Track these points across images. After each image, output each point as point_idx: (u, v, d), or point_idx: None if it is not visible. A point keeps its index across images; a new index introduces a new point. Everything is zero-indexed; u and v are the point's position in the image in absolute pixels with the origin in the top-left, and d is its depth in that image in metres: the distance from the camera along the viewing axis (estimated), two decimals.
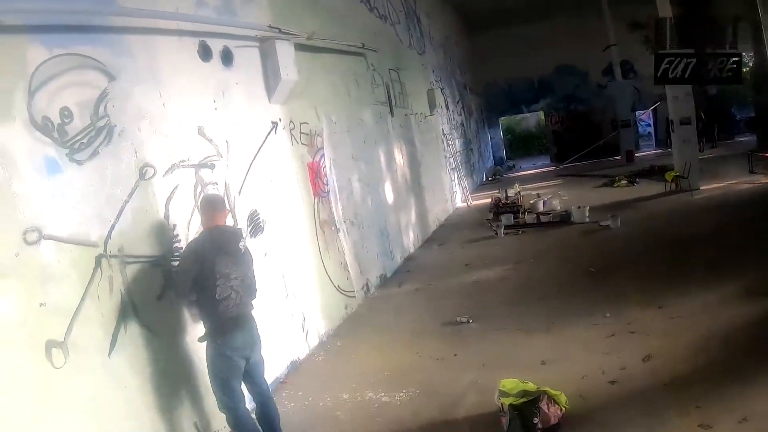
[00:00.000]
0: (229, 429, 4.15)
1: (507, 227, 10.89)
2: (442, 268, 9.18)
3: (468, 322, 6.13)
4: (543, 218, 11.18)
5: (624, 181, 14.81)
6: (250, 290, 4.04)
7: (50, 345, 3.35)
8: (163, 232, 4.41)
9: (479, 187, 20.18)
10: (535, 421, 3.52)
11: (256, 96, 5.93)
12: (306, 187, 6.81)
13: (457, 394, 4.43)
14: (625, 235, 9.06)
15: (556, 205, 11.89)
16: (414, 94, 12.66)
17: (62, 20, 3.81)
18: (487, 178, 22.74)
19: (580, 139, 23.06)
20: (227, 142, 5.31)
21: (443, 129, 15.83)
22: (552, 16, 22.24)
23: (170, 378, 4.15)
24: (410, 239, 10.86)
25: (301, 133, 6.76)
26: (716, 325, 5.01)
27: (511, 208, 12.10)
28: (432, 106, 13.95)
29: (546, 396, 3.65)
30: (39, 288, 3.38)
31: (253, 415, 4.11)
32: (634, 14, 17.83)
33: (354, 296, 7.65)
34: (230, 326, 3.80)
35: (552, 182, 17.82)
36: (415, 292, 8.01)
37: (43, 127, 3.55)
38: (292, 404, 4.98)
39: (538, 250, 9.03)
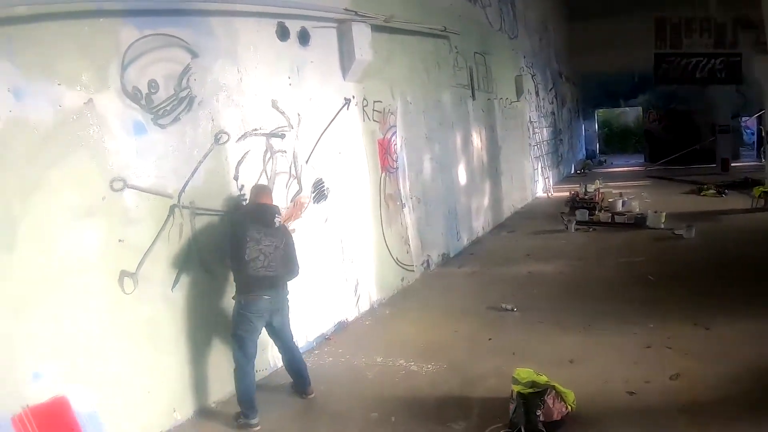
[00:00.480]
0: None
1: (578, 223, 10.77)
2: (504, 255, 9.29)
3: (512, 310, 6.30)
4: (617, 218, 10.95)
5: (712, 191, 14.08)
6: (284, 261, 4.45)
7: (123, 274, 4.05)
8: (231, 190, 4.96)
9: (565, 179, 19.78)
10: (537, 413, 3.65)
11: (330, 74, 6.31)
12: (374, 162, 7.16)
13: (479, 375, 4.66)
14: (696, 247, 8.73)
15: (635, 206, 11.59)
16: (500, 78, 12.59)
17: (152, 5, 4.39)
18: (575, 171, 22.26)
19: (677, 141, 21.88)
20: (299, 115, 5.74)
21: (530, 116, 15.60)
22: (659, 7, 21.12)
23: (215, 318, 4.75)
24: (480, 223, 11.00)
25: (374, 110, 7.10)
26: (760, 359, 4.65)
27: (588, 204, 11.96)
28: (519, 92, 13.80)
29: (554, 391, 3.76)
30: (119, 227, 4.06)
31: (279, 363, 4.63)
32: (745, 12, 16.29)
33: (412, 270, 7.98)
34: (255, 286, 4.26)
35: (639, 182, 17.21)
36: (472, 275, 8.22)
37: (132, 95, 4.18)
38: (330, 359, 5.46)
39: (603, 250, 8.93)
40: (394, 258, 7.54)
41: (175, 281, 4.43)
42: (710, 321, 5.52)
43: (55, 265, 3.72)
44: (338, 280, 6.38)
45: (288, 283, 4.55)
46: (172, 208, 4.42)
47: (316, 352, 5.64)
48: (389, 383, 4.79)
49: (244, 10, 5.15)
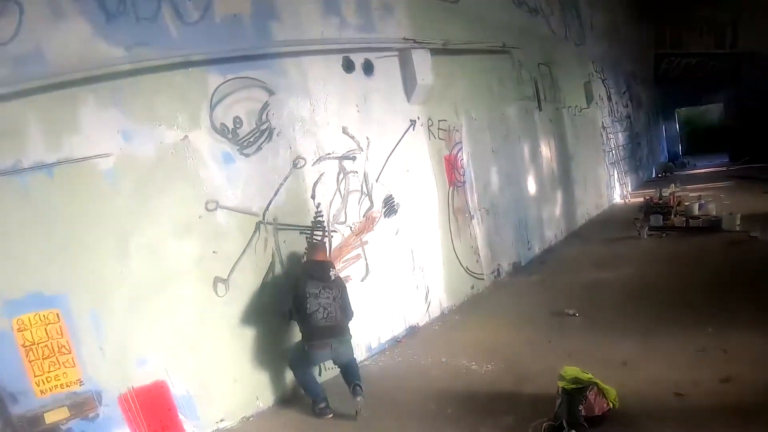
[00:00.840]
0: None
1: (651, 228, 10.70)
2: (574, 262, 9.46)
3: (574, 315, 6.56)
4: (691, 222, 10.73)
5: None
6: (342, 309, 5.02)
7: (217, 280, 4.93)
8: (308, 208, 5.68)
9: (645, 184, 19.21)
10: (579, 408, 3.96)
11: (395, 98, 6.91)
12: (441, 177, 7.65)
13: (533, 374, 5.00)
14: None
15: (712, 209, 11.26)
16: (568, 87, 12.71)
17: (232, 53, 5.15)
18: (656, 175, 21.60)
19: (763, 138, 20.47)
20: (368, 138, 6.39)
21: (603, 122, 15.49)
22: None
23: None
24: (552, 231, 11.19)
25: (439, 129, 7.60)
26: None
27: (662, 208, 11.74)
28: (589, 99, 13.84)
29: (596, 388, 4.05)
30: (213, 240, 4.92)
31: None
32: None
33: (483, 278, 8.37)
34: (317, 336, 4.84)
35: (720, 183, 16.56)
36: (540, 283, 8.49)
37: (221, 131, 5.03)
38: (399, 359, 6.03)
39: (673, 256, 8.88)
40: (464, 267, 7.97)
41: (260, 287, 5.22)
42: None
43: (160, 272, 4.63)
44: (409, 288, 6.94)
45: (349, 326, 5.12)
46: (257, 225, 5.25)
47: (387, 353, 6.21)
48: (450, 380, 5.27)
49: (312, 49, 5.86)
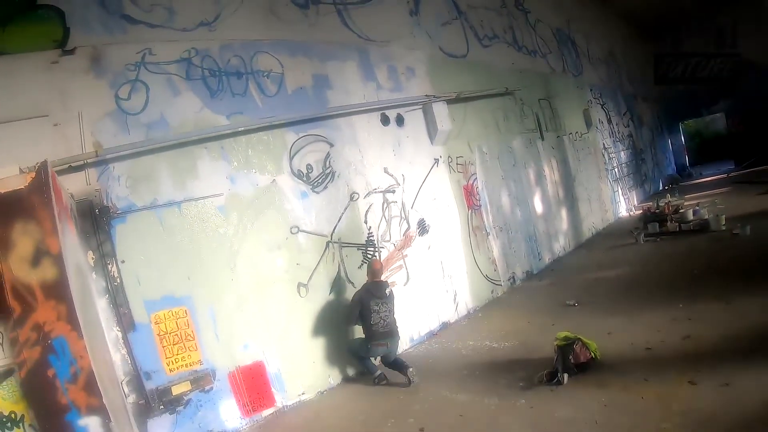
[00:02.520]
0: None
1: (647, 235, 12.09)
2: (579, 267, 10.99)
3: (574, 305, 8.11)
4: (683, 227, 11.98)
5: None
6: (394, 318, 6.68)
7: (300, 285, 6.66)
8: (363, 230, 7.42)
9: (652, 196, 20.06)
10: (569, 357, 5.52)
11: (421, 142, 8.72)
12: (461, 203, 9.38)
13: (540, 345, 6.52)
14: (746, 243, 9.60)
15: (705, 214, 12.25)
16: (568, 115, 14.37)
17: (302, 117, 7.03)
18: (663, 187, 22.48)
19: (763, 142, 21.46)
20: (403, 175, 8.21)
21: (604, 143, 16.95)
22: (728, 10, 21.05)
23: None
24: (560, 244, 12.67)
25: (457, 164, 9.39)
26: (763, 320, 5.80)
27: (658, 217, 12.98)
28: (588, 124, 15.42)
29: (580, 341, 5.62)
30: (297, 255, 6.69)
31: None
32: None
33: (500, 284, 9.98)
34: (377, 338, 6.53)
35: (720, 189, 17.68)
36: (549, 285, 10.07)
37: (298, 175, 6.88)
38: (436, 346, 7.70)
39: (663, 255, 10.28)
40: (484, 275, 9.61)
41: (331, 289, 7.00)
42: (734, 298, 6.69)
43: (258, 279, 6.39)
44: (441, 292, 8.61)
45: (398, 329, 6.77)
46: (327, 243, 7.06)
47: (426, 343, 7.91)
48: (476, 356, 6.95)
49: (357, 110, 7.73)
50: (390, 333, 6.60)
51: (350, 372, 7.02)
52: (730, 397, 4.52)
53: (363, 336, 6.65)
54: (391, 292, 6.76)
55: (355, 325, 6.80)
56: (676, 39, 24.00)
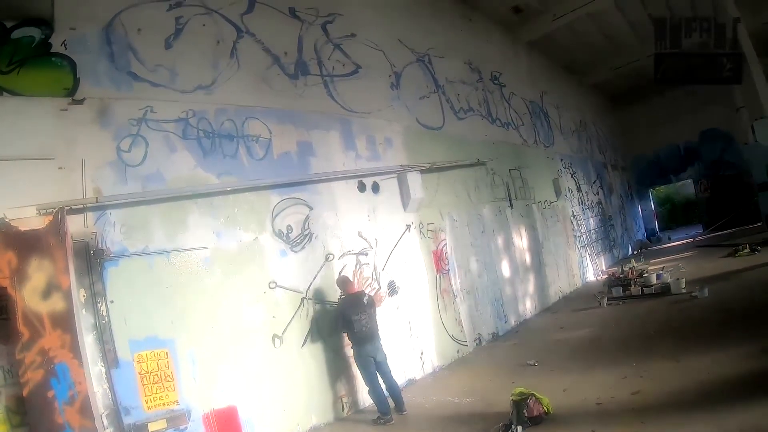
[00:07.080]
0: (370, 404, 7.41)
1: (611, 299, 12.56)
2: (543, 329, 11.50)
3: (534, 364, 8.58)
4: (646, 290, 12.44)
5: (746, 251, 14.61)
6: (374, 322, 7.30)
7: (274, 336, 7.09)
8: (336, 289, 7.85)
9: (620, 261, 20.51)
10: (524, 411, 6.02)
11: (395, 209, 9.37)
12: (430, 267, 9.95)
13: (499, 401, 6.87)
14: (703, 305, 10.08)
15: (667, 277, 12.77)
16: (538, 184, 15.13)
17: (285, 181, 7.65)
18: (632, 252, 22.94)
19: (730, 206, 22.31)
20: (376, 239, 8.80)
21: (572, 211, 17.63)
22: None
23: (331, 366, 7.62)
24: (527, 307, 13.14)
25: (428, 230, 10.04)
26: (709, 376, 6.23)
27: (622, 281, 13.50)
28: (558, 193, 16.17)
29: (534, 397, 6.13)
30: (273, 308, 7.15)
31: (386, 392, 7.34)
32: None
33: (466, 345, 10.42)
34: (361, 341, 7.13)
35: (685, 254, 18.11)
36: (513, 345, 10.54)
37: (278, 234, 7.41)
38: None
39: (624, 318, 10.67)
40: (450, 335, 10.07)
41: (303, 342, 7.43)
42: (684, 357, 7.12)
43: (237, 328, 6.81)
44: (408, 350, 9.06)
45: (379, 332, 7.36)
46: (302, 299, 7.54)
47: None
48: (439, 409, 7.42)
49: (336, 176, 8.37)
50: (371, 335, 7.27)
51: (315, 420, 7.35)
52: None
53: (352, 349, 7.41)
54: (369, 299, 7.40)
55: (342, 333, 7.48)
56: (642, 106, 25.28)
